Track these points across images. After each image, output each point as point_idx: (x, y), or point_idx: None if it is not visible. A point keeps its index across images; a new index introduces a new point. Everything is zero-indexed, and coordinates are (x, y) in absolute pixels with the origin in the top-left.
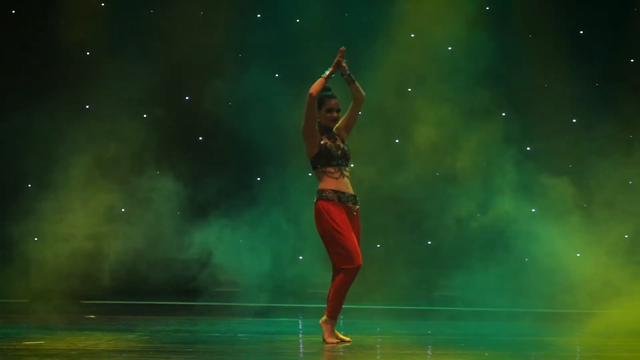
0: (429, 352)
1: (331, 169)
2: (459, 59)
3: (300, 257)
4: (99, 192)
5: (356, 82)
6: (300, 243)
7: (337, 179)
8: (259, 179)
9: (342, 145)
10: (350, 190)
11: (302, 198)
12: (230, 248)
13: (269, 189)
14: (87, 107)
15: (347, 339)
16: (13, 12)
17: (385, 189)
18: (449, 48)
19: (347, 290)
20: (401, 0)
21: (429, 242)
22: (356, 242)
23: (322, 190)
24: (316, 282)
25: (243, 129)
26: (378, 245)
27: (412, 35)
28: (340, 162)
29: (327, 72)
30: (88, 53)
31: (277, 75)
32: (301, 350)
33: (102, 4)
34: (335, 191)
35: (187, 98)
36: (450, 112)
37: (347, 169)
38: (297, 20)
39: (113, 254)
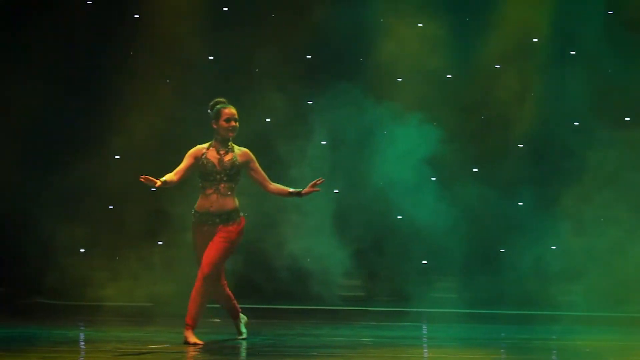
0: (554, 356)
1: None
2: None
3: (424, 262)
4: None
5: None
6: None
7: (208, 195)
8: None
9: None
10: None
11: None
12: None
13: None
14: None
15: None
16: (135, 16)
17: None
18: None
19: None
20: None
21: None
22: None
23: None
24: (441, 286)
25: None
26: (502, 250)
27: None
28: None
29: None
30: None
31: None
32: (425, 355)
33: None
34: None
35: None
36: None
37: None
38: None
39: (237, 258)
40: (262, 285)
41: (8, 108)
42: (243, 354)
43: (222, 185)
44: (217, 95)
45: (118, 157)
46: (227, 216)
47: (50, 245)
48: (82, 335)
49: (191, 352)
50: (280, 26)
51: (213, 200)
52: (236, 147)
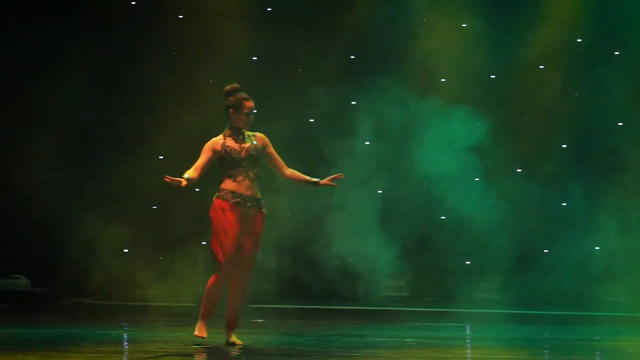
0: (597, 357)
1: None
2: None
3: (467, 262)
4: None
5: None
6: (466, 247)
7: (240, 181)
8: None
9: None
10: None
11: None
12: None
13: None
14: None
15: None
16: (180, 16)
17: None
18: None
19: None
20: None
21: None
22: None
23: (221, 190)
24: (485, 286)
25: None
26: (546, 251)
27: None
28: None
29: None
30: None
31: None
32: (469, 355)
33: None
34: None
35: None
36: None
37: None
38: None
39: (284, 258)
40: (307, 285)
41: (52, 109)
42: (286, 354)
43: (251, 171)
44: (260, 96)
45: (162, 157)
46: (260, 202)
47: (95, 246)
48: (126, 335)
49: (233, 352)
50: (323, 26)
51: (247, 184)
52: (249, 132)
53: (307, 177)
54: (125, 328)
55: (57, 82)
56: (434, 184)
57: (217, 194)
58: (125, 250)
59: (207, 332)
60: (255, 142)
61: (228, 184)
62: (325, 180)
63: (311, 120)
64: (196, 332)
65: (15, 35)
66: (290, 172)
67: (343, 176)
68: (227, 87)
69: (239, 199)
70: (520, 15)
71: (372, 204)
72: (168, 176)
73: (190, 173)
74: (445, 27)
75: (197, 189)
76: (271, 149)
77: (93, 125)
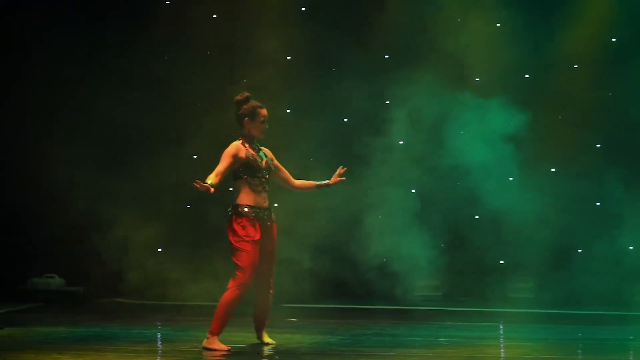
0: (631, 356)
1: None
2: None
3: (501, 262)
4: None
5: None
6: (501, 247)
7: (259, 192)
8: None
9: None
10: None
11: None
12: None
13: None
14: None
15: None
16: (214, 16)
17: None
18: None
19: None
20: None
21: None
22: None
23: (237, 205)
24: (517, 286)
25: None
26: (580, 250)
27: None
28: (264, 173)
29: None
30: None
31: None
32: (502, 355)
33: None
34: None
35: None
36: None
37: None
38: None
39: (316, 257)
40: (341, 285)
41: (85, 109)
42: (318, 353)
43: (267, 182)
44: (294, 95)
45: (195, 156)
46: (271, 211)
47: (129, 245)
48: (159, 335)
49: (266, 351)
50: (356, 24)
51: (264, 196)
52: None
53: (317, 183)
54: (160, 327)
55: (91, 81)
56: (468, 182)
57: (233, 209)
58: (160, 250)
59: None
60: (265, 154)
61: (245, 197)
62: (333, 179)
63: (345, 119)
64: (216, 347)
65: (48, 35)
66: (299, 181)
67: (345, 169)
68: (239, 96)
69: (256, 214)
70: (554, 14)
71: (407, 203)
72: (198, 181)
73: (212, 179)
74: (479, 26)
75: (230, 188)
76: (277, 162)
77: (127, 124)
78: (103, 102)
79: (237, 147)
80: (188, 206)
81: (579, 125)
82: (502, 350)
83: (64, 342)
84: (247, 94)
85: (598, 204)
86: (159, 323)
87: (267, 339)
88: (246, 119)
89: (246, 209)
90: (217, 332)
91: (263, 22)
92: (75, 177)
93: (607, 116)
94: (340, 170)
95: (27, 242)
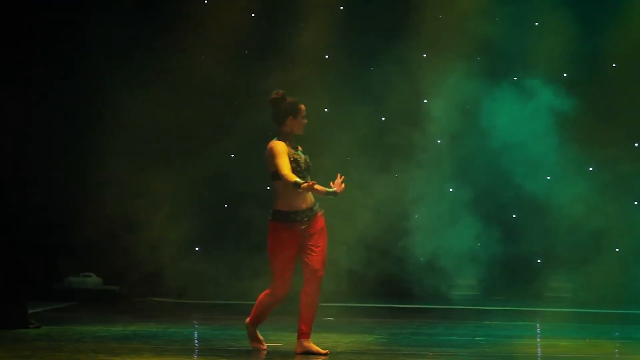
0: None
1: None
2: None
3: (538, 261)
4: None
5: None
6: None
7: (300, 192)
8: None
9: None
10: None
11: None
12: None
13: None
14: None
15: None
16: (252, 15)
17: None
18: None
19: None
20: None
21: None
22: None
23: (275, 211)
24: (554, 285)
25: None
26: (617, 250)
27: None
28: (305, 173)
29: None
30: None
31: None
32: (539, 354)
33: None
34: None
35: None
36: None
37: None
38: None
39: (354, 256)
40: (380, 283)
41: (120, 107)
42: (355, 352)
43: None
44: (332, 94)
45: (233, 155)
46: (315, 207)
47: (165, 244)
48: (196, 333)
49: (299, 349)
50: (395, 25)
51: (304, 197)
52: None
53: (326, 189)
54: (196, 326)
55: (127, 80)
56: (506, 181)
57: (271, 214)
58: (197, 249)
59: (260, 341)
60: (302, 151)
61: (283, 202)
62: (338, 188)
63: (382, 118)
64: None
65: (86, 35)
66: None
67: (344, 177)
68: (275, 94)
69: (293, 220)
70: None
71: (444, 201)
72: (308, 182)
73: (295, 177)
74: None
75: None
76: None
77: (164, 126)
78: (138, 100)
79: (284, 145)
80: (225, 205)
81: (617, 125)
82: (539, 350)
83: (100, 340)
84: (281, 91)
85: (636, 202)
86: (195, 322)
87: (314, 347)
88: (290, 116)
89: (281, 216)
90: (252, 323)
91: (299, 20)
92: (113, 175)
93: None
94: (339, 179)
95: (64, 241)
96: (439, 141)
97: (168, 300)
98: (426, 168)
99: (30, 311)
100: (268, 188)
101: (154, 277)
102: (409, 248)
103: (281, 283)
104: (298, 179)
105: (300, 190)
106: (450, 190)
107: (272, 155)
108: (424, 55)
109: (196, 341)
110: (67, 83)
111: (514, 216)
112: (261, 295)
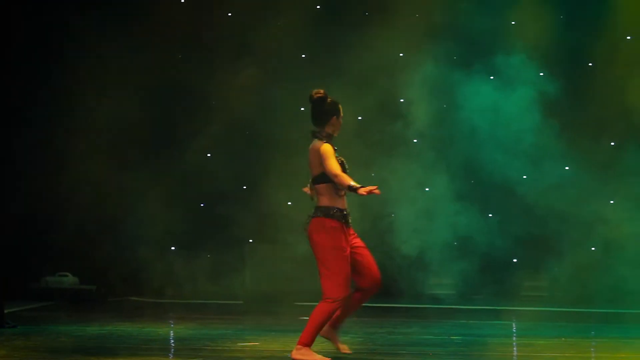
0: None
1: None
2: None
3: (514, 260)
4: None
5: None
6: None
7: (342, 196)
8: None
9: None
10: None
11: None
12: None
13: None
14: None
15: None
16: (229, 14)
17: None
18: None
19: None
20: None
21: None
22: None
23: (328, 207)
24: (531, 284)
25: None
26: (593, 248)
27: None
28: None
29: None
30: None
31: None
32: (515, 353)
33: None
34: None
35: None
36: None
37: None
38: None
39: None
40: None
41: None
42: (331, 351)
43: None
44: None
45: (209, 155)
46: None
47: (142, 244)
48: (172, 333)
49: (280, 349)
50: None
51: (345, 200)
52: None
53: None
54: (172, 325)
55: (101, 79)
56: (485, 178)
57: (321, 211)
58: (173, 248)
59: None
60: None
61: (334, 200)
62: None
63: (359, 117)
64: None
65: (56, 37)
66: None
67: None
68: (319, 93)
69: (347, 218)
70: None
71: (420, 202)
72: (367, 188)
73: (350, 179)
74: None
75: (244, 186)
76: None
77: (138, 123)
78: (107, 99)
79: (332, 148)
80: (202, 204)
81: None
82: (514, 349)
83: (76, 340)
84: (322, 90)
85: (612, 202)
86: (171, 321)
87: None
88: (334, 116)
89: (337, 213)
90: (308, 344)
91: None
92: (91, 175)
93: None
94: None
95: (40, 240)
96: (415, 140)
97: (145, 299)
98: (404, 164)
99: (6, 311)
100: (244, 187)
101: (130, 276)
102: (385, 246)
103: (347, 284)
104: (354, 183)
105: (352, 193)
106: (427, 189)
107: (322, 158)
108: (401, 55)
109: (172, 341)
110: (40, 85)
111: (490, 215)
112: (318, 310)
